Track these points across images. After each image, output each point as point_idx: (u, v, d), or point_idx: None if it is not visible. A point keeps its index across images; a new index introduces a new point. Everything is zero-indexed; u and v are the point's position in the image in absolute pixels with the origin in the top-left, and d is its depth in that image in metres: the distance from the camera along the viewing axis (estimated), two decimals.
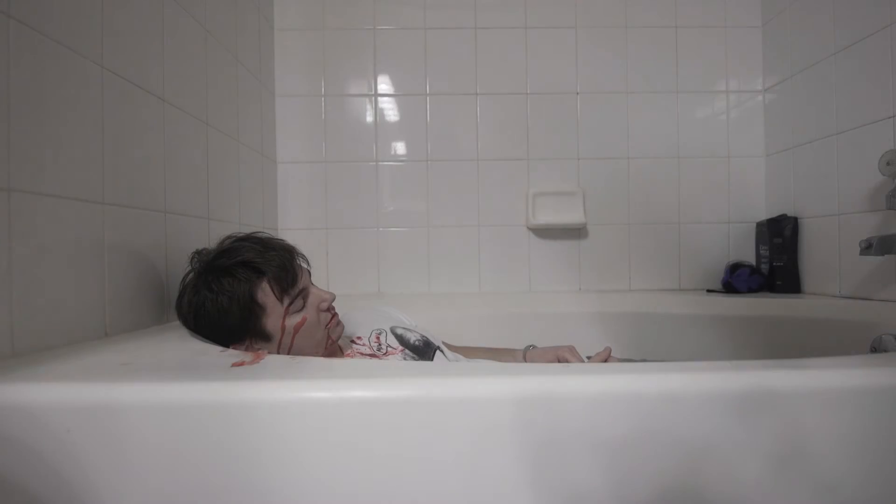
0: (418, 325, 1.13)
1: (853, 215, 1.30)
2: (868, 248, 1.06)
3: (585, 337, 1.31)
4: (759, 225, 1.60)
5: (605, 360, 0.99)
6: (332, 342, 0.90)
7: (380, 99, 1.62)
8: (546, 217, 1.60)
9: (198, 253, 0.86)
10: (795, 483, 0.49)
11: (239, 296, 0.79)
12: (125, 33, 0.83)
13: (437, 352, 1.02)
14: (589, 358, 1.07)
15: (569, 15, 1.63)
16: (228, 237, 0.87)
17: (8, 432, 0.46)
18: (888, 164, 1.09)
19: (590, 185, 1.64)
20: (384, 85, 1.62)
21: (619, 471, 0.48)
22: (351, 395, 0.47)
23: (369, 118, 1.62)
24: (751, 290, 1.53)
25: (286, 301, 0.83)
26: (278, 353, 0.83)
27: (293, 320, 0.83)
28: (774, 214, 1.57)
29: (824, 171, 1.39)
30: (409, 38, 1.61)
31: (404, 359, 0.98)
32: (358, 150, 1.62)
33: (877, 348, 1.04)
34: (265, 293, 0.81)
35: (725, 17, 1.65)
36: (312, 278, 0.92)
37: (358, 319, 1.08)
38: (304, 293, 0.85)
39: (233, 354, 0.63)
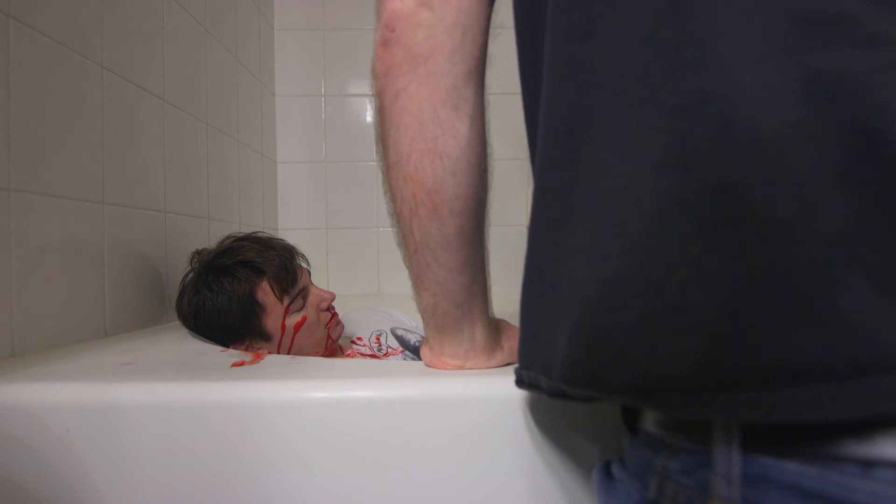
0: (418, 326, 1.14)
1: None
2: None
3: None
4: None
5: None
6: (332, 342, 0.90)
7: None
8: None
9: (198, 253, 0.86)
10: None
11: (239, 295, 0.79)
12: (125, 33, 0.83)
13: None
14: None
15: None
16: (228, 237, 0.87)
17: (8, 432, 0.46)
18: None
19: None
20: None
21: None
22: (351, 395, 0.47)
23: (369, 118, 1.62)
24: None
25: (286, 301, 0.83)
26: (278, 352, 0.83)
27: (293, 320, 0.83)
28: None
29: None
30: None
31: (404, 359, 0.98)
32: (358, 150, 1.62)
33: None
34: (265, 293, 0.81)
35: None
36: (312, 278, 0.92)
37: (358, 320, 1.09)
38: (304, 293, 0.86)
39: (233, 354, 0.63)
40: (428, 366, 0.53)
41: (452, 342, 0.50)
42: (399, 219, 0.45)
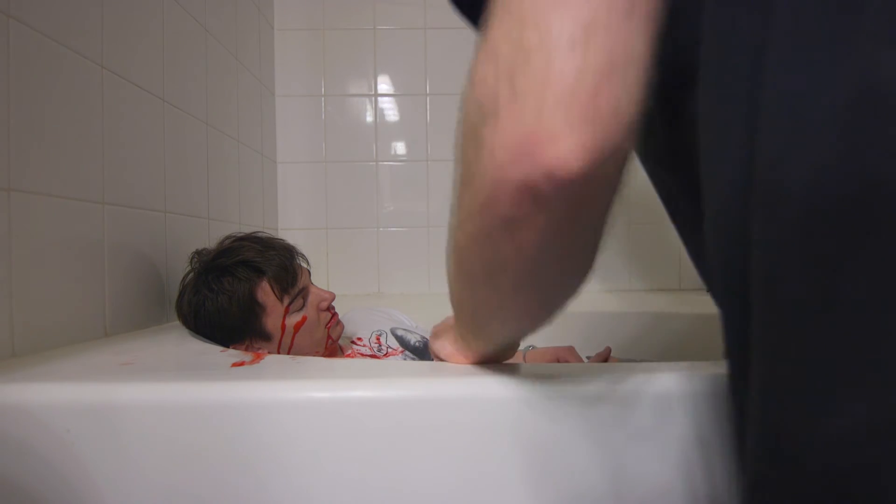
0: (419, 326, 1.14)
1: None
2: None
3: (585, 337, 1.31)
4: None
5: (605, 360, 0.99)
6: (332, 342, 0.90)
7: (380, 99, 1.62)
8: None
9: (198, 253, 0.86)
10: None
11: (239, 295, 0.79)
12: (125, 33, 0.83)
13: None
14: (588, 358, 1.07)
15: None
16: (228, 237, 0.87)
17: (8, 432, 0.46)
18: None
19: None
20: (384, 85, 1.62)
21: (618, 471, 0.48)
22: (351, 395, 0.47)
23: (369, 118, 1.62)
24: None
25: (286, 300, 0.83)
26: (278, 352, 0.83)
27: (293, 320, 0.83)
28: None
29: None
30: (409, 38, 1.61)
31: (404, 359, 0.98)
32: (358, 150, 1.62)
33: None
34: (265, 293, 0.81)
35: None
36: (312, 278, 0.92)
37: (358, 320, 1.09)
38: (304, 293, 0.86)
39: (233, 354, 0.63)
40: (443, 359, 0.54)
41: (481, 346, 0.50)
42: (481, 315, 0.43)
